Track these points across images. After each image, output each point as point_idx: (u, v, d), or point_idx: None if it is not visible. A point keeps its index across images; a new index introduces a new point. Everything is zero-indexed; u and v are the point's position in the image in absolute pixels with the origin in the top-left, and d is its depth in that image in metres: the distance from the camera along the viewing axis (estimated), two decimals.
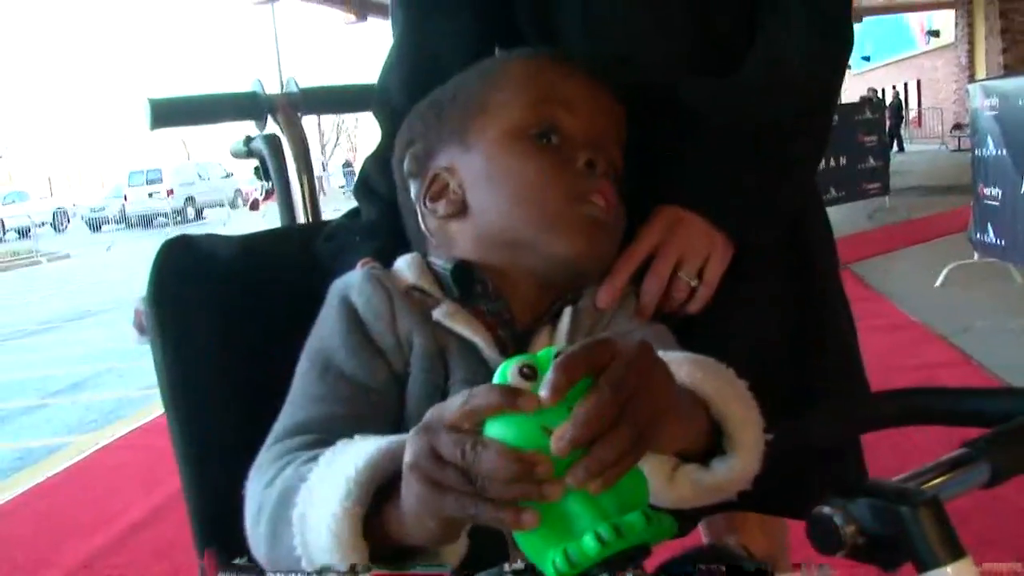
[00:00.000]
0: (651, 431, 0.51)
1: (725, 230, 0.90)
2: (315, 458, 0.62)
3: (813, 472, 0.84)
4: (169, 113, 1.45)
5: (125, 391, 5.71)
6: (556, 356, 0.51)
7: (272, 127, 1.50)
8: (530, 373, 0.51)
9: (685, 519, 0.63)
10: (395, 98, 1.00)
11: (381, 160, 0.97)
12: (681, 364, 0.64)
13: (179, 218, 23.15)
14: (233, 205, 25.49)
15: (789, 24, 0.96)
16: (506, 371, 0.52)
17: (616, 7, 0.98)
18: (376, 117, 1.03)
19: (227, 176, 28.94)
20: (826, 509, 0.53)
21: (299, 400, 0.76)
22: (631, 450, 0.49)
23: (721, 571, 0.49)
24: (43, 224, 27.85)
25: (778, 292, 1.02)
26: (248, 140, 1.54)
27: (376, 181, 0.98)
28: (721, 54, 0.97)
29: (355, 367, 0.75)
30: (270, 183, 1.47)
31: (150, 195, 26.27)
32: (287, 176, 1.47)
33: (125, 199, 27.31)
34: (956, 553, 0.50)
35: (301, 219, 1.47)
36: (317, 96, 1.53)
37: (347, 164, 31.58)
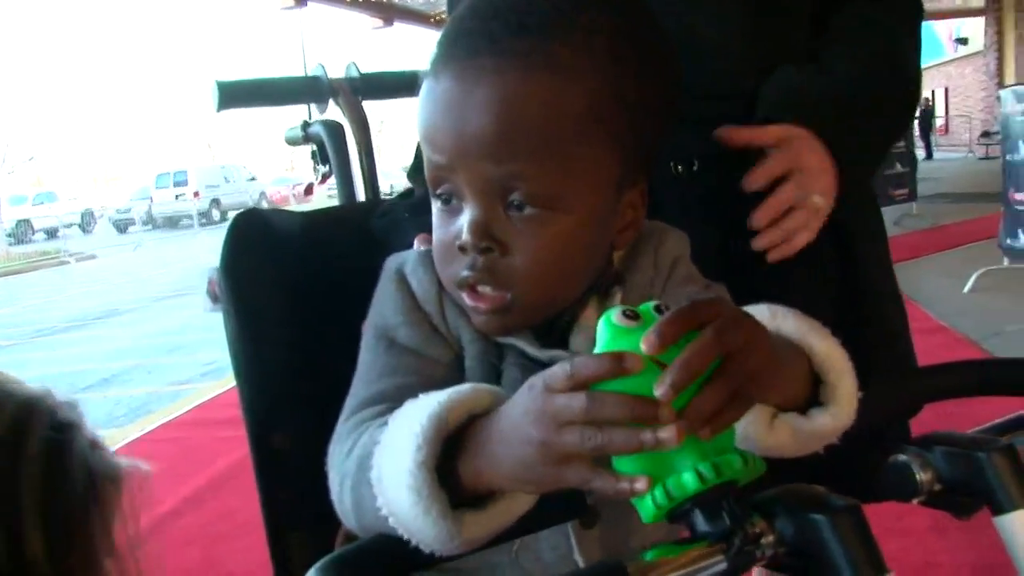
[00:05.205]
0: (752, 387, 0.53)
1: (839, 162, 0.97)
2: (386, 422, 0.64)
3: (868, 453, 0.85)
4: (235, 95, 1.48)
5: (154, 387, 5.78)
6: (655, 307, 0.53)
7: (330, 112, 1.53)
8: (633, 315, 0.53)
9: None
10: None
11: None
12: (787, 316, 0.66)
13: (204, 220, 23.29)
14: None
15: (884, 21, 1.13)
16: (611, 316, 0.54)
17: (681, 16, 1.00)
18: None
19: (252, 179, 29.13)
20: (903, 457, 0.55)
21: (368, 375, 0.76)
22: (732, 401, 0.52)
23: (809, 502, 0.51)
24: (71, 225, 28.21)
25: (826, 277, 1.05)
26: (306, 125, 1.57)
27: None
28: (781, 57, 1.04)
29: (418, 341, 0.76)
30: (326, 167, 1.51)
31: (176, 197, 26.48)
32: (347, 158, 1.49)
33: (151, 201, 27.56)
34: None
35: (361, 199, 1.50)
36: (375, 81, 1.56)
37: None
